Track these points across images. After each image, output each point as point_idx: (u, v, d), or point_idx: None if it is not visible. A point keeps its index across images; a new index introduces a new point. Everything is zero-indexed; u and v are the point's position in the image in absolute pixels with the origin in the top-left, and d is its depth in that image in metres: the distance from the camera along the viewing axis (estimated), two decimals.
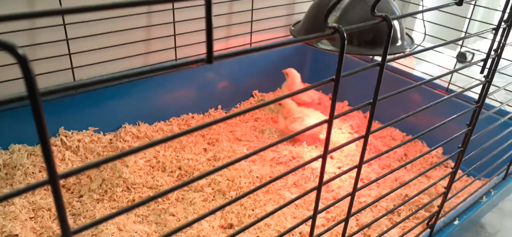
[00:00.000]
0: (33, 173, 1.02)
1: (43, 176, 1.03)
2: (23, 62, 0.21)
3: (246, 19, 1.44)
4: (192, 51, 1.35)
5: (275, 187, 1.07)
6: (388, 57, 0.44)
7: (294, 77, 1.39)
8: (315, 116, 1.26)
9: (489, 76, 0.63)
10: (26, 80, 0.21)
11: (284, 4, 1.52)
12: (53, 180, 0.23)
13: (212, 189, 1.04)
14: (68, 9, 0.24)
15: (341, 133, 1.35)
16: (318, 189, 0.43)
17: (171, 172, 1.10)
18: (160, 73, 1.27)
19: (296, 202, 1.03)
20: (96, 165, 0.25)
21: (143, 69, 0.29)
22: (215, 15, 1.32)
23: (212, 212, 0.39)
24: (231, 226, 0.95)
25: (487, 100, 0.68)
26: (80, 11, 0.25)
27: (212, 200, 1.02)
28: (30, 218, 0.91)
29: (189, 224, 0.38)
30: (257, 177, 1.09)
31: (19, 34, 1.03)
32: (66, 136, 1.13)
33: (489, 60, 0.62)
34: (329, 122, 0.40)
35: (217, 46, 1.40)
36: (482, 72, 0.63)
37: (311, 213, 1.00)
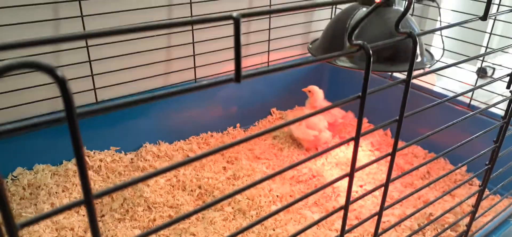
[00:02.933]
0: (56, 192, 1.04)
1: (66, 195, 1.05)
2: (62, 84, 0.21)
3: (263, 38, 1.45)
4: (210, 71, 1.37)
5: (296, 206, 1.06)
6: (413, 74, 0.43)
7: (318, 95, 1.37)
8: (314, 120, 1.32)
9: None
10: (65, 101, 0.22)
11: (301, 23, 1.53)
12: (88, 200, 0.24)
13: (232, 208, 1.04)
14: (92, 33, 0.25)
15: (361, 150, 1.33)
16: (345, 208, 0.43)
17: (191, 190, 1.10)
18: (189, 93, 1.28)
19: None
20: (130, 184, 0.25)
21: (170, 91, 0.29)
22: (232, 35, 1.33)
23: (234, 235, 0.39)
24: None
25: None
26: (102, 35, 0.25)
27: (232, 219, 1.01)
28: None
29: None
30: (277, 195, 1.09)
31: (43, 56, 1.06)
32: (88, 156, 1.15)
33: None
34: (356, 140, 0.39)
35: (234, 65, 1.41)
36: (508, 87, 0.62)
37: (333, 232, 0.99)
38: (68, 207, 0.23)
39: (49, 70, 0.21)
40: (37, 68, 0.20)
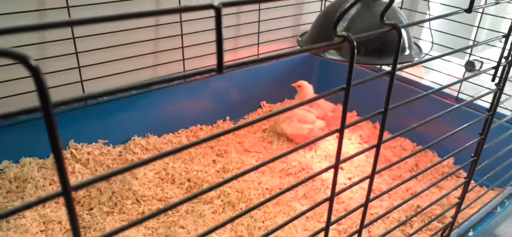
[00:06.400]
0: (43, 186, 1.03)
1: (54, 188, 1.04)
2: (36, 74, 0.21)
3: (253, 31, 1.44)
4: (200, 63, 1.36)
5: (285, 199, 1.06)
6: (398, 66, 0.44)
7: (307, 90, 1.36)
8: (304, 113, 1.31)
9: (501, 84, 0.62)
10: (39, 92, 0.21)
11: (291, 16, 1.53)
12: (66, 192, 0.23)
13: (222, 201, 1.04)
14: (78, 20, 0.24)
15: (351, 143, 1.34)
16: (331, 200, 0.43)
17: (180, 184, 1.10)
18: (172, 84, 1.27)
19: (307, 213, 1.02)
20: (109, 176, 0.25)
21: (155, 80, 0.29)
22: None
23: (222, 225, 0.39)
24: None
25: (498, 109, 0.67)
26: (89, 22, 0.25)
27: (222, 212, 1.01)
28: (41, 231, 0.91)
29: None
30: (266, 188, 1.09)
31: (29, 48, 1.04)
32: (76, 149, 1.14)
33: (500, 68, 0.62)
34: (340, 131, 0.39)
35: (225, 58, 1.40)
36: (493, 80, 0.63)
37: (322, 224, 0.99)
38: (45, 200, 0.23)
39: (22, 59, 0.20)
40: (9, 57, 0.20)
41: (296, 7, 1.53)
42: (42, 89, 0.21)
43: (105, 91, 0.26)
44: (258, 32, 1.44)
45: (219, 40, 0.28)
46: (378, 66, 1.42)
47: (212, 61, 1.38)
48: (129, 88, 0.27)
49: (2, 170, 1.06)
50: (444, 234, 0.78)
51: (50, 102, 0.21)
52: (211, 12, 0.27)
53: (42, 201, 0.23)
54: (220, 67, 0.29)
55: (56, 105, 0.22)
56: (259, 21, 1.42)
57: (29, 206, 0.24)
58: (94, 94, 0.25)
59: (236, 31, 1.42)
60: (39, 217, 0.94)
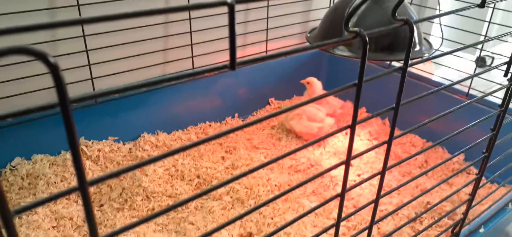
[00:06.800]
0: (55, 182, 1.04)
1: (65, 185, 1.05)
2: (54, 71, 0.21)
3: (261, 28, 1.44)
4: (208, 60, 1.36)
5: (294, 195, 1.06)
6: (410, 62, 0.43)
7: (316, 86, 1.35)
8: (313, 111, 1.30)
9: None
10: (57, 88, 0.22)
11: (299, 12, 1.52)
12: (83, 188, 0.24)
13: (231, 197, 1.04)
14: (88, 19, 0.25)
15: (359, 139, 1.33)
16: (341, 196, 0.43)
17: (190, 180, 1.10)
18: (183, 81, 1.28)
19: (316, 210, 1.02)
20: (124, 171, 0.25)
21: (166, 77, 0.29)
22: None
23: (232, 221, 0.39)
24: (250, 235, 0.94)
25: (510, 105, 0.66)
26: (99, 20, 0.25)
27: (231, 208, 1.02)
28: (53, 227, 0.92)
29: (209, 234, 0.38)
30: (275, 185, 1.09)
31: (40, 45, 1.05)
32: (86, 146, 1.15)
33: None
34: (352, 128, 0.39)
35: None
36: (505, 75, 0.62)
37: (330, 221, 0.99)
38: (62, 194, 0.23)
39: (41, 56, 0.20)
40: (28, 54, 0.20)
41: (304, 3, 1.53)
42: (60, 85, 0.21)
43: (119, 88, 0.26)
44: (267, 29, 1.44)
45: (232, 37, 0.28)
46: (388, 62, 1.41)
47: (220, 58, 1.39)
48: (143, 85, 0.27)
49: (14, 166, 1.07)
50: (454, 231, 0.77)
51: (68, 99, 0.21)
52: (220, 9, 0.28)
53: (60, 195, 0.23)
54: (232, 63, 0.29)
55: (73, 101, 0.22)
56: (267, 18, 1.42)
57: (45, 202, 0.24)
58: (107, 91, 0.26)
59: (244, 28, 1.42)
60: (51, 213, 0.95)
